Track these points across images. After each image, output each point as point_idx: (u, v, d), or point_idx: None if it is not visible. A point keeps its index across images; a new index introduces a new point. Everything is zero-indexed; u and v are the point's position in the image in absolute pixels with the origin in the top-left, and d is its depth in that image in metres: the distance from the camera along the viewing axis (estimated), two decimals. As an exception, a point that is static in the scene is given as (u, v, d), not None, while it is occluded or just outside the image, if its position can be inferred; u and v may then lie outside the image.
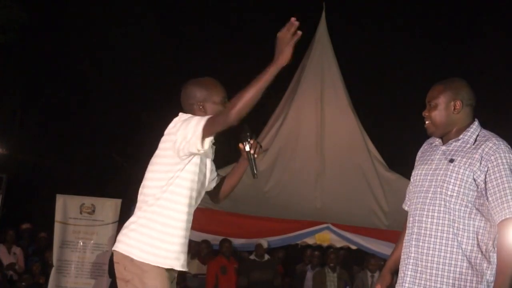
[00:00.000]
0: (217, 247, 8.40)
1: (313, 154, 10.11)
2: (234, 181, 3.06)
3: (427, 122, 2.90)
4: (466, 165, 2.74)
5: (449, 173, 2.77)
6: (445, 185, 2.76)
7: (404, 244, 2.89)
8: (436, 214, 2.77)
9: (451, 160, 2.79)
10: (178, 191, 2.75)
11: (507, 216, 2.65)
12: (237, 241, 8.56)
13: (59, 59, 16.16)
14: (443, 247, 2.73)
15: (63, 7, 16.09)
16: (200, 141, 2.64)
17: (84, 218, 8.69)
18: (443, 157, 2.83)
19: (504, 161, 2.71)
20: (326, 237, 8.71)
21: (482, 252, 2.71)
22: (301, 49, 11.65)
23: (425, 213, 2.80)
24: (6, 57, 14.94)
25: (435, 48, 17.86)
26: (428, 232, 2.77)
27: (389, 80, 17.36)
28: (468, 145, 2.80)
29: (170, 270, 2.79)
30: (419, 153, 3.03)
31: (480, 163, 2.72)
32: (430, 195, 2.80)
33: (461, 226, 2.73)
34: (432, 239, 2.76)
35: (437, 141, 2.93)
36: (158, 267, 2.72)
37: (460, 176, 2.74)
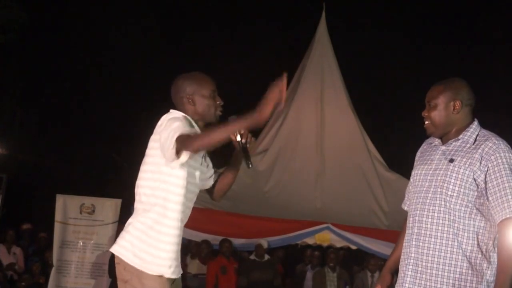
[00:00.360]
0: (217, 247, 8.40)
1: (313, 154, 10.11)
2: (231, 176, 3.03)
3: (426, 122, 2.90)
4: (466, 165, 2.74)
5: (449, 173, 2.76)
6: (445, 185, 2.76)
7: (404, 244, 2.88)
8: (436, 214, 2.77)
9: (451, 160, 2.78)
10: (171, 198, 2.73)
11: (507, 216, 2.65)
12: (237, 241, 8.56)
13: (59, 59, 16.15)
14: (443, 247, 2.73)
15: (63, 7, 16.09)
16: (174, 155, 2.61)
17: (84, 218, 8.69)
18: (443, 157, 2.83)
19: (504, 160, 2.71)
20: (326, 237, 8.71)
21: (482, 252, 2.71)
22: (301, 49, 11.67)
23: (425, 213, 2.80)
24: (6, 57, 14.94)
25: (435, 48, 17.86)
26: (428, 232, 2.77)
27: (389, 80, 17.35)
28: (468, 145, 2.79)
29: None
30: (418, 153, 3.02)
31: (480, 163, 2.72)
32: (430, 195, 2.80)
33: (461, 226, 2.73)
34: (432, 239, 2.76)
35: (437, 141, 2.92)
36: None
37: (460, 176, 2.74)
